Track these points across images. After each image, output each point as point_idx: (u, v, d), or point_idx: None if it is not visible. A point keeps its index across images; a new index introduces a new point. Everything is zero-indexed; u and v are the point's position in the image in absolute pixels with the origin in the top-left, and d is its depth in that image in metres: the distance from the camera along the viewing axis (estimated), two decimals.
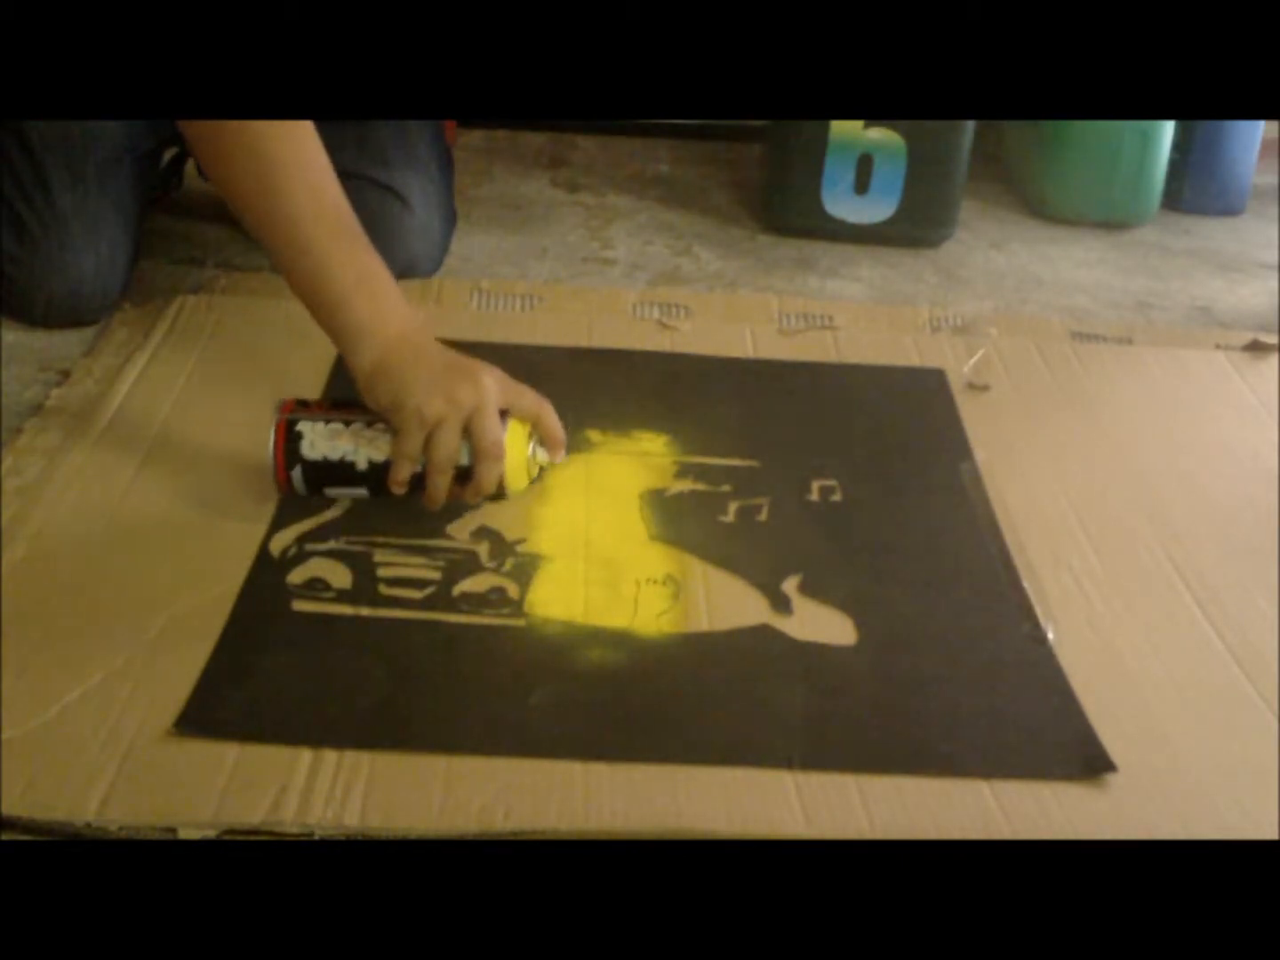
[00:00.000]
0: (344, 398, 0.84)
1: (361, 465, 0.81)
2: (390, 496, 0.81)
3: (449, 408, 0.78)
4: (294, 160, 0.83)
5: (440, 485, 0.80)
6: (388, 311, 0.82)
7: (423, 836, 0.64)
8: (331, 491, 0.83)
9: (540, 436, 0.83)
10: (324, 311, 0.83)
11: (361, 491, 0.82)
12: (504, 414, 0.81)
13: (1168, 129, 1.45)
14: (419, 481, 0.80)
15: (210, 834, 0.63)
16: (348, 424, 0.81)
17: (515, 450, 0.81)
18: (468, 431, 0.79)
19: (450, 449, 0.78)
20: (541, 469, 0.85)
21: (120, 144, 1.09)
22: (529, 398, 0.82)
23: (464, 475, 0.80)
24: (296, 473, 0.81)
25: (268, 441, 0.81)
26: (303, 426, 0.81)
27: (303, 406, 0.83)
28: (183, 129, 0.87)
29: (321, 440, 0.81)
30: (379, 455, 0.81)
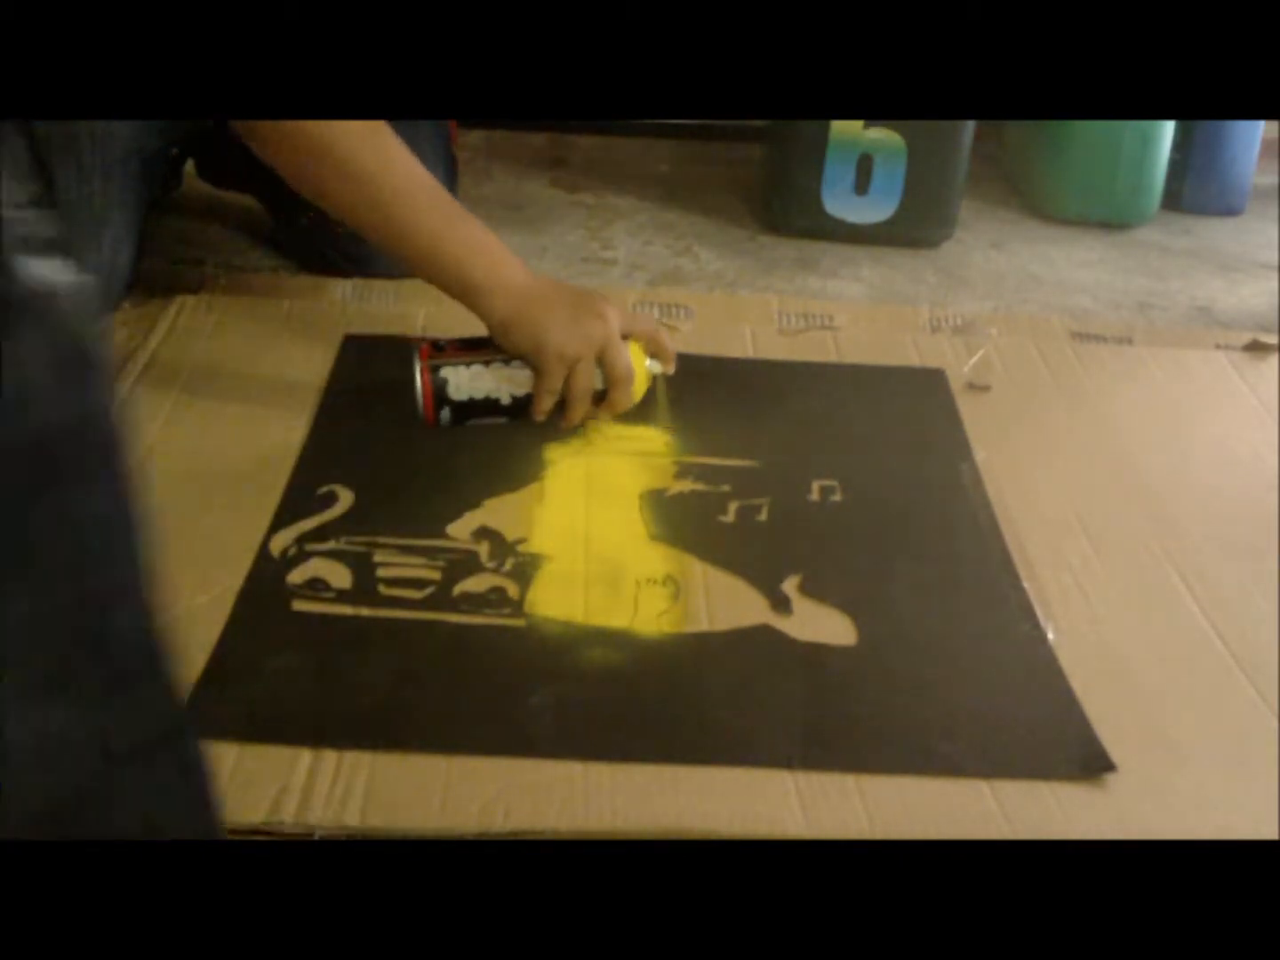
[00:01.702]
0: (471, 337, 0.90)
1: (505, 400, 0.89)
2: (528, 423, 0.90)
3: (585, 345, 0.86)
4: (381, 166, 0.87)
5: (580, 411, 0.89)
6: (502, 266, 0.89)
7: (423, 836, 0.64)
8: (474, 421, 0.90)
9: (653, 351, 0.92)
10: (445, 278, 0.89)
11: (503, 420, 0.90)
12: (625, 338, 0.89)
13: (1168, 129, 1.45)
14: (558, 408, 0.89)
15: None
16: (487, 364, 0.89)
17: (636, 368, 0.90)
18: (601, 361, 0.87)
19: (590, 381, 0.88)
20: (655, 379, 0.94)
21: (125, 145, 1.09)
22: (643, 321, 0.92)
23: (597, 398, 0.89)
24: (445, 412, 0.89)
25: (414, 383, 0.88)
26: (447, 372, 0.88)
27: (438, 350, 0.89)
28: (250, 139, 0.90)
29: (466, 382, 0.88)
30: (520, 390, 0.88)
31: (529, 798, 0.67)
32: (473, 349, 0.90)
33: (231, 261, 1.25)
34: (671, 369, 0.94)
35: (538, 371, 0.88)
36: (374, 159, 0.87)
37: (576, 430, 0.94)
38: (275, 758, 0.68)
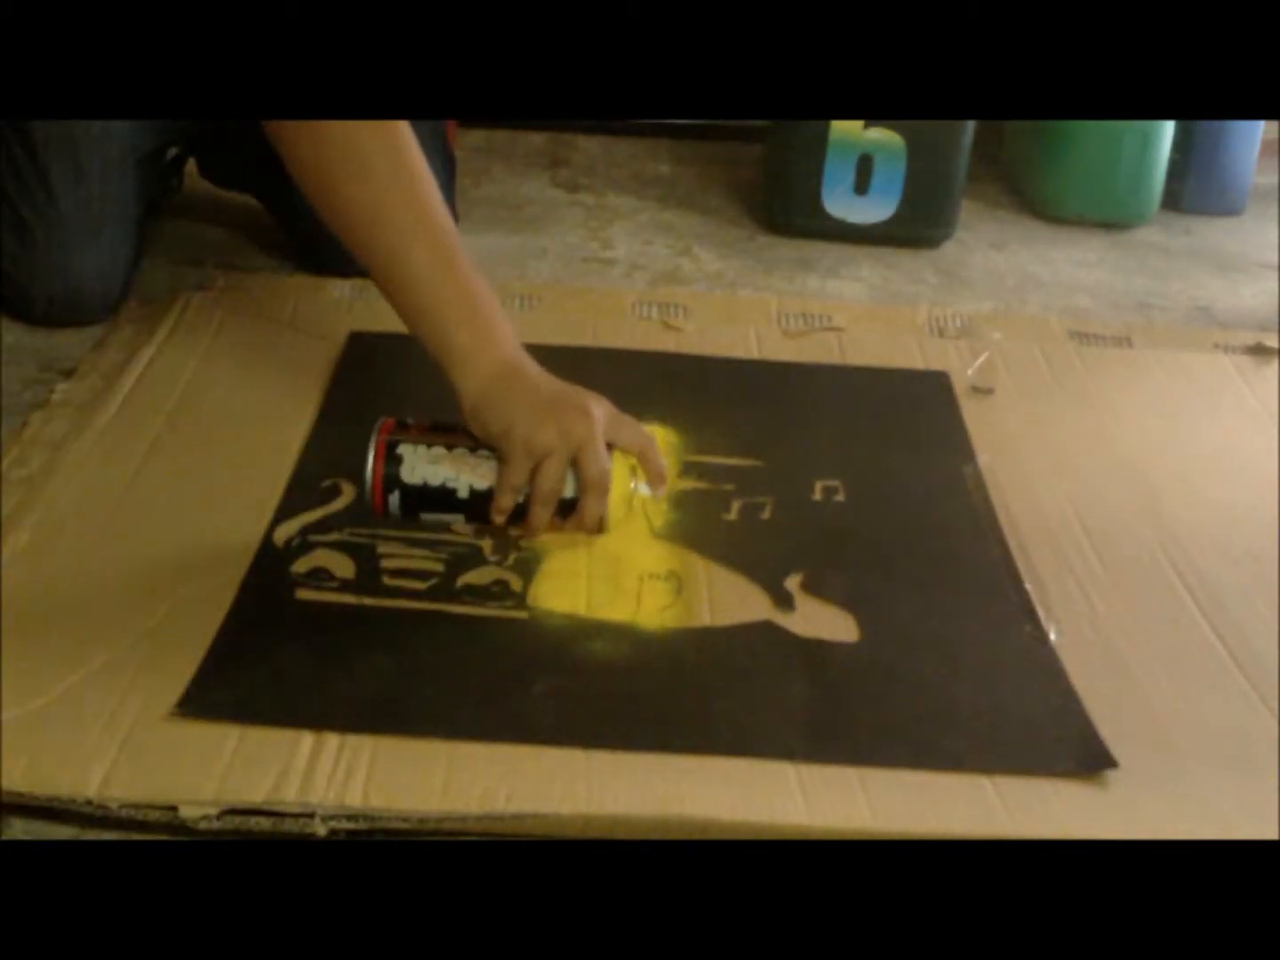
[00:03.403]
0: (444, 420, 0.80)
1: (463, 493, 0.77)
2: (487, 525, 0.79)
3: (559, 439, 0.75)
4: (397, 179, 0.82)
5: (543, 516, 0.77)
6: (494, 338, 0.80)
7: (425, 818, 0.65)
8: (427, 518, 0.79)
9: (642, 472, 0.80)
10: (429, 335, 0.81)
11: (458, 518, 0.79)
12: (608, 446, 0.78)
13: (1168, 129, 1.45)
14: (519, 511, 0.78)
15: (211, 812, 0.64)
16: (450, 448, 0.78)
17: (618, 483, 0.78)
18: (575, 463, 0.76)
19: (558, 480, 0.76)
20: (637, 503, 0.81)
21: (123, 144, 1.09)
22: (633, 431, 0.79)
23: (565, 507, 0.77)
24: (394, 497, 0.77)
25: (365, 463, 0.77)
26: (403, 450, 0.77)
27: (402, 428, 0.79)
28: (281, 150, 0.85)
29: (422, 465, 0.77)
30: (481, 483, 0.77)
31: (531, 782, 0.67)
32: (440, 431, 0.79)
33: (232, 261, 1.25)
34: (661, 495, 0.81)
35: (501, 460, 0.77)
36: (395, 174, 0.82)
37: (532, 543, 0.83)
38: (278, 740, 0.68)
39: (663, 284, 1.28)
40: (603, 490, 0.76)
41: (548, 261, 1.32)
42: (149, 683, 0.71)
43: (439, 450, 0.78)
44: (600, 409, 0.78)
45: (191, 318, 1.10)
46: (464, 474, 0.77)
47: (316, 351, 1.06)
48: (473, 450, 0.78)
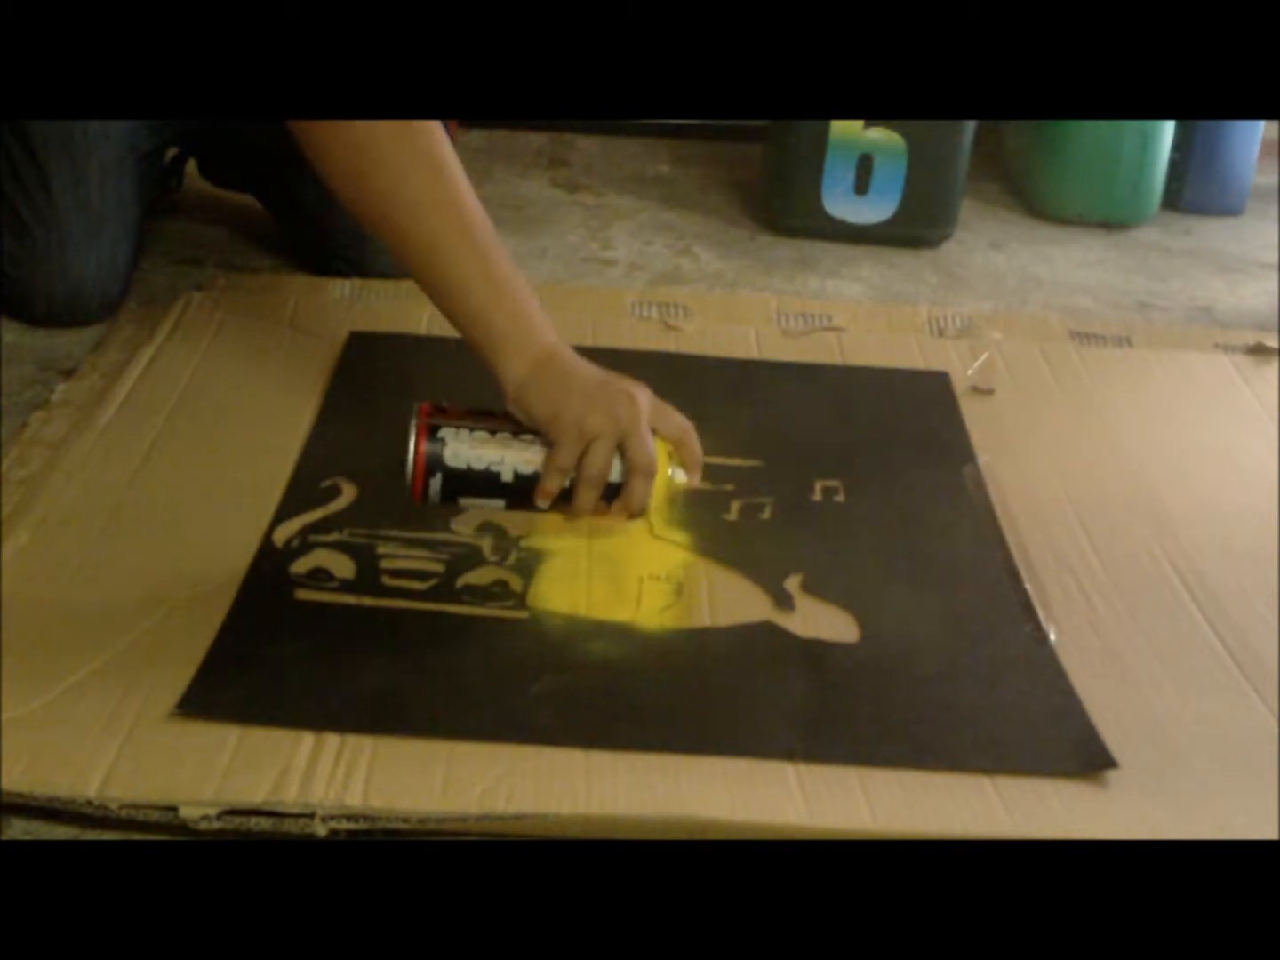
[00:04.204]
0: (479, 407, 0.79)
1: (507, 476, 0.76)
2: (529, 511, 0.78)
3: (608, 422, 0.76)
4: (430, 172, 0.82)
5: (589, 499, 0.77)
6: (533, 324, 0.81)
7: (425, 818, 0.65)
8: (466, 502, 0.78)
9: (679, 459, 0.80)
10: (467, 325, 0.81)
11: (499, 504, 0.78)
12: (652, 432, 0.78)
13: (1168, 129, 1.45)
14: (562, 496, 0.77)
15: (211, 812, 0.64)
16: (493, 433, 0.77)
17: (658, 469, 0.78)
18: (622, 447, 0.77)
19: (606, 463, 0.76)
20: (674, 491, 0.81)
21: (123, 144, 1.10)
22: (675, 419, 0.80)
23: (610, 491, 0.77)
24: (436, 480, 0.76)
25: (406, 447, 0.76)
26: (446, 433, 0.76)
27: (440, 412, 0.77)
28: (313, 156, 0.84)
29: (466, 448, 0.76)
30: (527, 467, 0.76)
31: (531, 782, 0.67)
32: (480, 415, 0.78)
33: (232, 261, 1.25)
34: (697, 481, 0.81)
35: (550, 443, 0.76)
36: (425, 166, 0.82)
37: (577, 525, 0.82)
38: (278, 740, 0.68)
39: (663, 284, 1.28)
40: (650, 474, 0.77)
41: (548, 261, 1.32)
42: (149, 683, 0.71)
43: (482, 434, 0.77)
44: (646, 396, 0.78)
45: (191, 318, 1.10)
46: (509, 457, 0.76)
47: (316, 351, 1.06)
48: (516, 435, 0.77)
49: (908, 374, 1.10)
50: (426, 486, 0.76)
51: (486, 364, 0.80)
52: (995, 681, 0.77)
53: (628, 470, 0.77)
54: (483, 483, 0.76)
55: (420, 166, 0.82)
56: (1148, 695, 0.77)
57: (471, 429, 0.77)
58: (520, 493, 0.77)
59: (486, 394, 0.79)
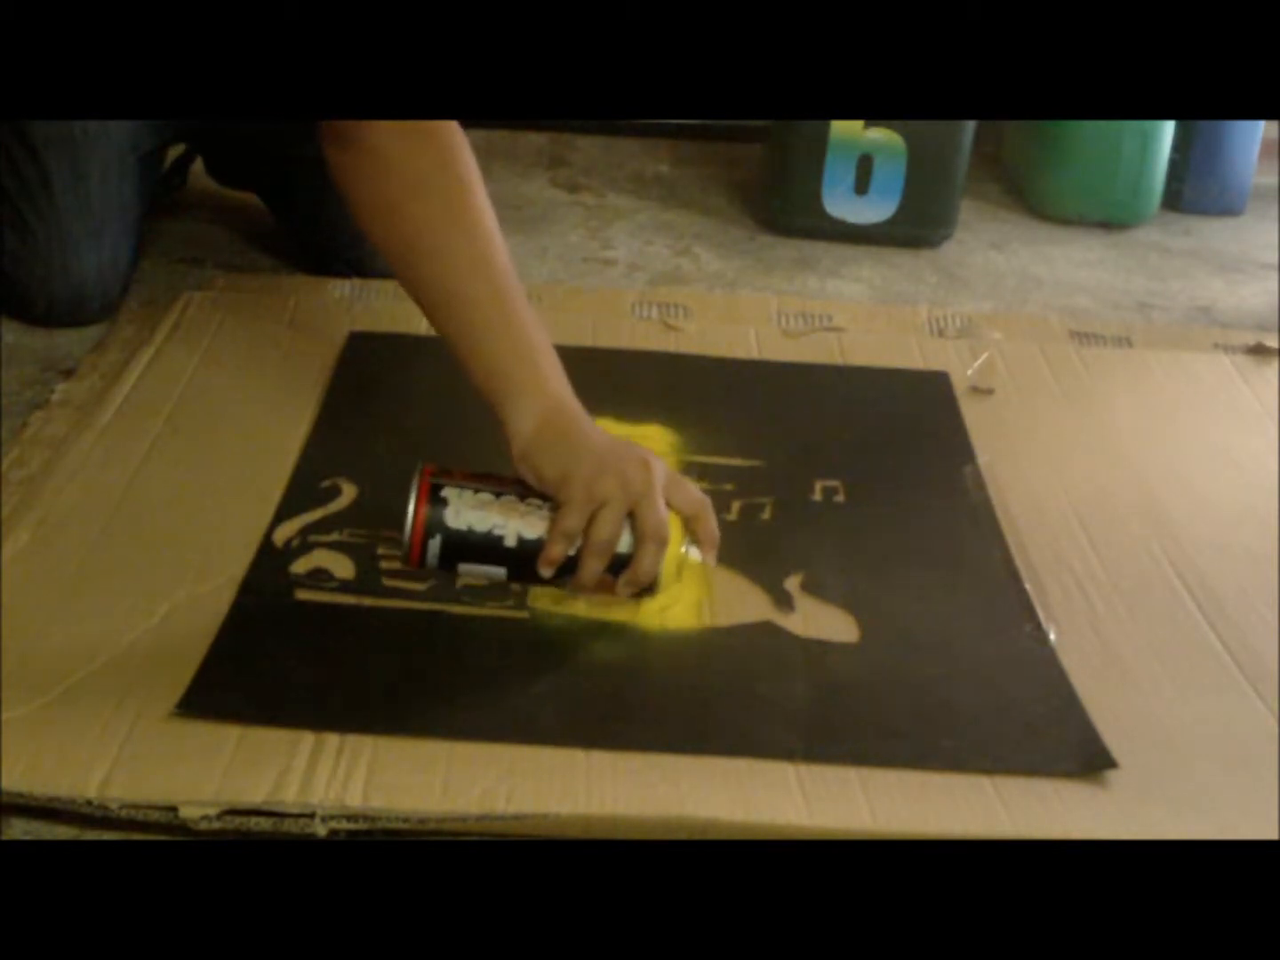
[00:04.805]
0: (484, 471, 0.76)
1: (510, 541, 0.73)
2: (531, 582, 0.76)
3: (619, 487, 0.72)
4: (457, 213, 0.81)
5: (595, 569, 0.73)
6: (547, 378, 0.77)
7: (425, 818, 0.65)
8: (465, 568, 0.75)
9: (694, 534, 0.76)
10: (484, 375, 0.78)
11: (500, 573, 0.74)
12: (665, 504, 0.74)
13: (1168, 129, 1.45)
14: (567, 566, 0.73)
15: (211, 812, 0.64)
16: (498, 495, 0.74)
17: (671, 543, 0.74)
18: (631, 515, 0.73)
19: (615, 530, 0.72)
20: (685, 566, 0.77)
21: (124, 144, 1.10)
22: (691, 492, 0.76)
23: (617, 564, 0.73)
24: (435, 542, 0.72)
25: (406, 506, 0.73)
26: (449, 492, 0.73)
27: (445, 473, 0.74)
28: (345, 190, 0.84)
29: (468, 509, 0.73)
30: (531, 532, 0.73)
31: (531, 782, 0.67)
32: (485, 478, 0.75)
33: (232, 261, 1.25)
34: (712, 561, 0.76)
35: (557, 506, 0.73)
36: (456, 226, 0.80)
37: (581, 598, 0.79)
38: (277, 740, 0.68)
39: (663, 284, 1.28)
40: (661, 542, 0.73)
41: (548, 261, 1.32)
42: (149, 682, 0.71)
43: (486, 495, 0.74)
44: (659, 464, 0.74)
45: (191, 318, 1.10)
46: (513, 521, 0.73)
47: (316, 351, 1.06)
48: (522, 498, 0.74)
49: (908, 374, 1.10)
50: (425, 549, 0.73)
51: (496, 411, 0.77)
52: (995, 682, 0.77)
53: (637, 538, 0.73)
54: (484, 547, 0.73)
55: (449, 207, 0.81)
56: (1148, 695, 0.77)
57: (476, 490, 0.74)
58: (523, 559, 0.73)
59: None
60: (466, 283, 0.80)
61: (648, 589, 0.74)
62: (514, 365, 0.77)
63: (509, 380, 0.77)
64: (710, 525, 0.76)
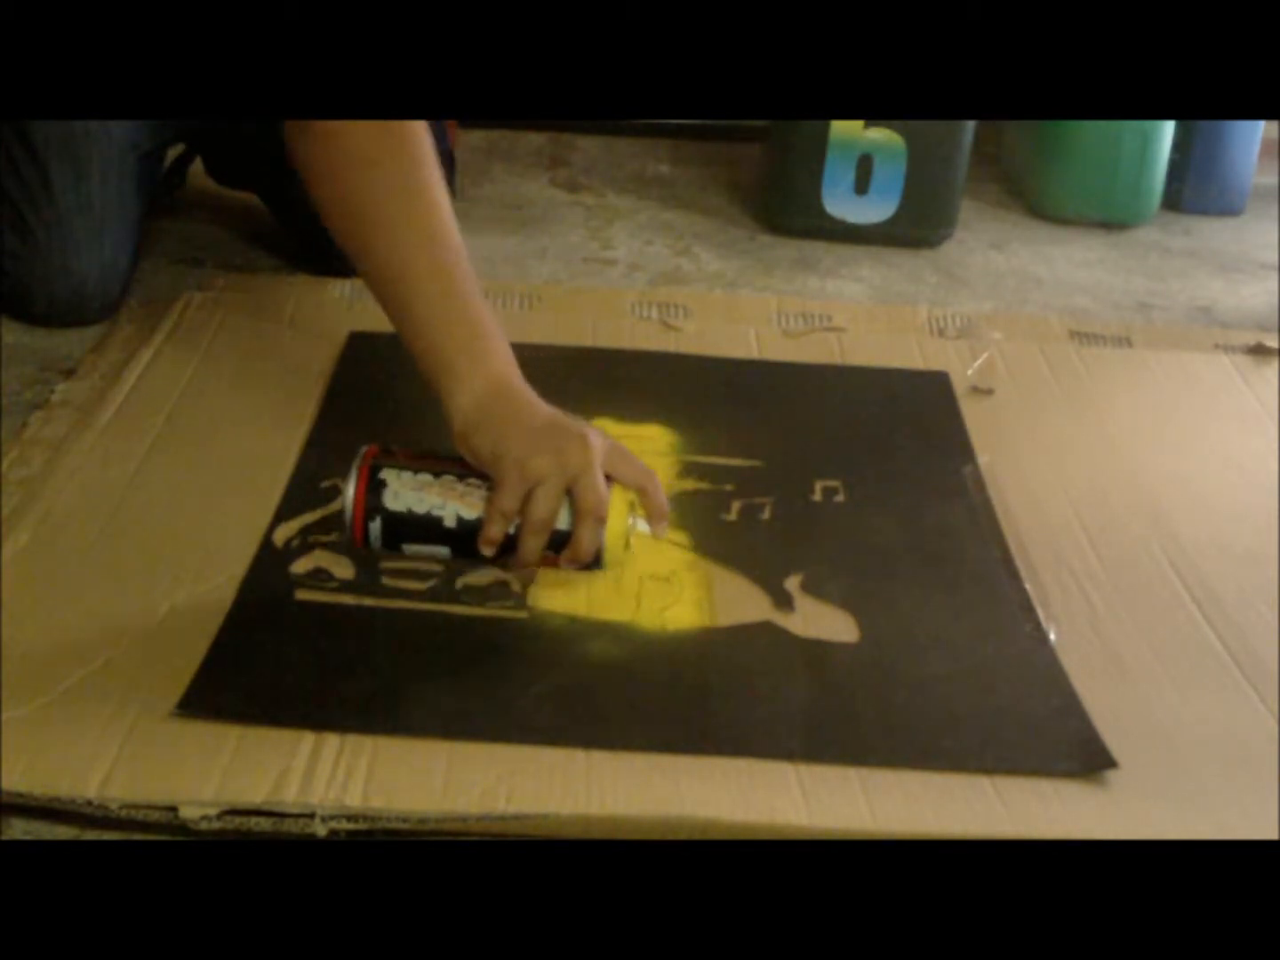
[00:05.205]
0: (431, 449, 0.77)
1: (449, 522, 0.73)
2: (474, 560, 0.75)
3: (554, 465, 0.72)
4: (409, 193, 0.81)
5: (534, 548, 0.73)
6: (491, 360, 0.77)
7: (425, 818, 0.65)
8: (410, 548, 0.75)
9: (642, 508, 0.76)
10: (423, 351, 0.78)
11: (444, 551, 0.75)
12: (607, 479, 0.74)
13: (1168, 129, 1.45)
14: (508, 544, 0.74)
15: (211, 812, 0.64)
16: (437, 475, 0.74)
17: (615, 518, 0.74)
18: (570, 492, 0.73)
19: (551, 508, 0.72)
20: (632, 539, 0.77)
21: (124, 144, 1.09)
22: (633, 465, 0.76)
23: (558, 540, 0.74)
24: (376, 524, 0.73)
25: (346, 489, 0.73)
26: (387, 474, 0.74)
27: (387, 454, 0.75)
28: (293, 159, 0.85)
29: (407, 491, 0.73)
30: (470, 513, 0.73)
31: (531, 782, 0.67)
32: (427, 459, 0.75)
33: (232, 261, 1.25)
34: (662, 533, 0.77)
35: (492, 486, 0.73)
36: (404, 199, 0.80)
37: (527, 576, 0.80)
38: (277, 740, 0.68)
39: (663, 284, 1.28)
40: (598, 519, 0.73)
41: (548, 261, 1.32)
42: (149, 682, 0.71)
43: (425, 477, 0.74)
44: (600, 439, 0.74)
45: (191, 318, 1.10)
46: (451, 501, 0.74)
47: (316, 351, 1.06)
48: (461, 478, 0.75)
49: (908, 374, 1.10)
50: (366, 531, 0.74)
51: (437, 393, 0.77)
52: (995, 681, 0.77)
53: (575, 515, 0.73)
54: (424, 527, 0.74)
55: (397, 178, 0.81)
56: (1148, 695, 0.77)
57: (415, 471, 0.74)
58: (464, 539, 0.74)
59: None
60: (411, 257, 0.79)
61: (594, 563, 0.75)
62: (455, 343, 0.77)
63: (449, 358, 0.77)
64: (658, 498, 0.76)
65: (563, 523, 0.73)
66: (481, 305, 0.79)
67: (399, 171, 0.82)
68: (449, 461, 0.76)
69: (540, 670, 0.75)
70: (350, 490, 0.74)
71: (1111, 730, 0.73)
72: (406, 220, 0.80)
